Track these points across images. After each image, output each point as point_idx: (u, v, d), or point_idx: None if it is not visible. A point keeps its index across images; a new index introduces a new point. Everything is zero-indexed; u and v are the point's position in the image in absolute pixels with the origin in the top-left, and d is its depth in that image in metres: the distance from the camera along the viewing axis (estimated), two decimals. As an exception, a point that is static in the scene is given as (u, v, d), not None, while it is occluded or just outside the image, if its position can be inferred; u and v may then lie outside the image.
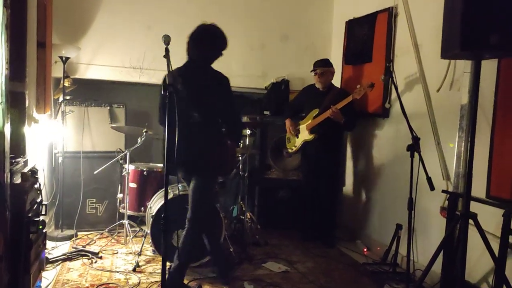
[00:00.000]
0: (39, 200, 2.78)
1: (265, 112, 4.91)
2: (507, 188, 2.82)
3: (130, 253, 3.79)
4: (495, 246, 2.72)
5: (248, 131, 4.08)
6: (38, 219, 2.70)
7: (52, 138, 4.23)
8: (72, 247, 3.82)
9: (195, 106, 3.02)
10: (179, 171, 3.13)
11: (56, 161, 4.26)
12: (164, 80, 2.49)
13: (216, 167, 3.13)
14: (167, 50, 2.35)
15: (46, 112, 3.82)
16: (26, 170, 2.69)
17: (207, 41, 3.05)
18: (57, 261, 3.53)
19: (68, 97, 4.26)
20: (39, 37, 3.48)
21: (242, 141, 4.12)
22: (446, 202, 3.23)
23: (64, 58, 4.11)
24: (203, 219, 3.13)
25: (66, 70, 4.15)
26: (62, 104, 4.16)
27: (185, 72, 3.03)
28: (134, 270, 3.42)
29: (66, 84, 4.19)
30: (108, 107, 4.47)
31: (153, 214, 3.45)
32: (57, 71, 4.18)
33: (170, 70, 2.28)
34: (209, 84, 3.08)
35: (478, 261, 3.03)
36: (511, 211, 2.67)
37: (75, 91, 4.34)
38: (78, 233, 4.19)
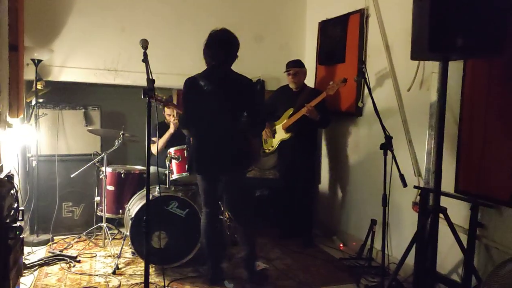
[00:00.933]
0: (15, 206, 2.76)
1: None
2: (474, 183, 2.96)
3: (109, 256, 3.78)
4: (464, 238, 2.86)
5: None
6: (15, 225, 2.68)
7: (26, 142, 4.17)
8: (49, 252, 3.79)
9: (221, 107, 3.20)
10: (208, 171, 3.28)
11: (30, 165, 4.20)
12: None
13: (246, 161, 3.37)
14: (145, 55, 2.37)
15: (19, 116, 3.76)
16: (2, 176, 2.67)
17: (224, 45, 3.21)
18: (34, 266, 3.49)
19: (41, 100, 4.21)
20: (10, 40, 3.42)
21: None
22: (418, 197, 3.36)
23: (36, 61, 4.04)
24: (251, 211, 3.41)
25: (38, 73, 4.09)
26: (35, 107, 4.11)
27: (209, 76, 3.19)
28: (114, 272, 3.42)
29: (39, 87, 4.12)
30: (83, 110, 4.43)
31: (132, 216, 3.45)
32: (29, 74, 4.11)
33: (150, 74, 2.30)
34: (233, 86, 3.26)
35: (448, 253, 3.17)
36: (478, 205, 2.81)
37: (48, 94, 4.28)
38: (55, 237, 4.15)
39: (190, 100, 3.25)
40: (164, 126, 4.40)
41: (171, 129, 4.26)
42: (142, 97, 2.26)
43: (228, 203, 3.44)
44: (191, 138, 3.50)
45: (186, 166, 3.60)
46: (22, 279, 3.06)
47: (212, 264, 3.36)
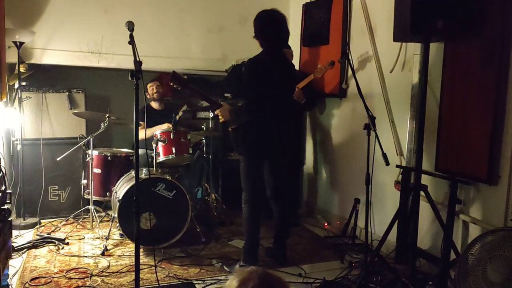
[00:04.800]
0: (3, 188, 2.76)
1: (226, 95, 4.97)
2: (453, 161, 3.07)
3: (97, 238, 3.82)
4: (444, 215, 2.97)
5: (211, 114, 4.15)
6: (3, 207, 2.69)
7: (9, 126, 4.13)
8: (37, 235, 3.80)
9: (284, 91, 3.27)
10: (267, 156, 3.30)
11: (15, 149, 4.17)
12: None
13: (290, 144, 3.54)
14: (131, 37, 2.37)
15: (2, 100, 3.72)
16: (-12, 159, 2.67)
17: (286, 26, 3.20)
18: (22, 249, 3.51)
19: (24, 83, 4.15)
20: (-9, 22, 3.37)
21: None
22: (400, 176, 3.46)
23: (18, 43, 3.98)
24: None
25: (20, 56, 4.03)
26: (18, 90, 4.06)
27: (274, 58, 3.16)
28: (102, 254, 3.46)
29: (22, 69, 4.07)
30: (67, 93, 4.39)
31: (120, 198, 3.47)
32: (11, 56, 4.05)
33: (137, 56, 2.30)
34: (291, 70, 3.35)
35: (429, 229, 3.29)
36: (457, 182, 2.91)
37: (31, 77, 4.22)
38: (42, 220, 4.15)
39: (257, 83, 3.10)
40: (150, 111, 4.40)
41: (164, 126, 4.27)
42: (130, 78, 2.27)
43: (272, 185, 3.39)
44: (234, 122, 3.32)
45: (247, 151, 3.24)
46: (11, 262, 3.09)
47: (255, 259, 3.26)
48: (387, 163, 2.89)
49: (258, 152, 3.23)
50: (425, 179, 3.08)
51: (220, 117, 3.27)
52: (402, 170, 3.41)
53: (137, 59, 2.30)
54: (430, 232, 3.30)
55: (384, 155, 2.89)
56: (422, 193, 2.98)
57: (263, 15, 3.18)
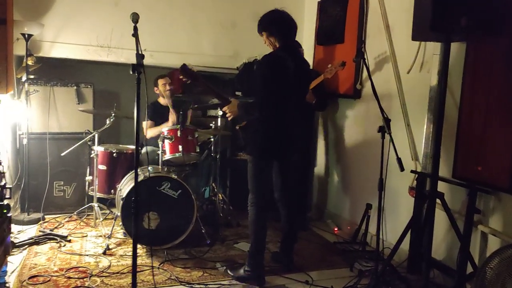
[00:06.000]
0: (3, 183, 2.69)
1: (237, 93, 4.87)
2: (473, 169, 2.90)
3: (100, 236, 3.73)
4: (460, 224, 2.81)
5: (220, 112, 4.03)
6: (2, 203, 2.62)
7: (16, 119, 4.08)
8: (40, 231, 3.73)
9: (299, 90, 3.21)
10: (279, 156, 3.20)
11: (21, 142, 4.11)
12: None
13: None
14: (135, 29, 2.26)
15: (8, 92, 3.65)
16: (-13, 152, 2.59)
17: (291, 27, 3.15)
18: (23, 245, 3.44)
19: (32, 77, 4.09)
20: (-1, 13, 3.30)
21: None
22: (415, 182, 3.31)
23: (26, 36, 3.92)
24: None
25: (29, 48, 3.97)
26: (26, 83, 4.00)
27: (291, 56, 3.06)
28: (104, 253, 3.37)
29: (30, 62, 4.01)
30: (75, 87, 4.32)
31: (124, 196, 3.38)
32: (19, 49, 3.99)
33: (139, 49, 2.20)
34: (307, 69, 3.29)
35: (444, 239, 3.13)
36: (476, 191, 2.76)
37: (39, 70, 4.16)
38: (46, 216, 4.09)
39: (272, 80, 2.97)
40: (159, 107, 4.31)
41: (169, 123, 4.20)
42: (131, 72, 2.17)
43: (280, 187, 3.30)
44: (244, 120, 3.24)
45: (256, 151, 3.08)
46: (10, 258, 3.01)
47: (260, 264, 3.12)
48: (402, 169, 2.75)
49: (267, 152, 3.10)
50: (441, 186, 2.92)
51: (228, 114, 3.15)
52: (417, 176, 3.26)
53: (140, 52, 2.19)
54: (445, 242, 3.14)
55: (399, 160, 2.75)
56: (437, 200, 2.83)
57: (271, 14, 3.14)
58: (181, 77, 3.12)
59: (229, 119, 3.24)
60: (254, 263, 3.07)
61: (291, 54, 3.07)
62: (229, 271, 3.16)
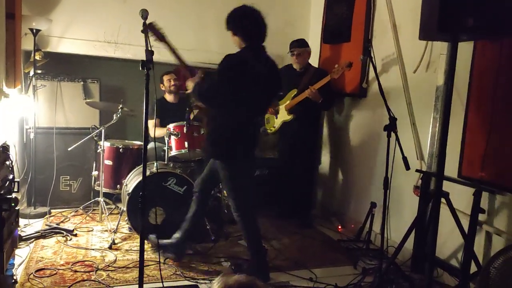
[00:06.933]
0: (11, 177, 2.71)
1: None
2: (478, 168, 2.90)
3: (106, 230, 3.76)
4: (465, 224, 2.82)
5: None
6: (10, 196, 2.64)
7: (23, 113, 4.11)
8: (46, 225, 3.76)
9: (264, 92, 3.03)
10: (248, 157, 3.07)
11: (28, 137, 4.14)
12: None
13: None
14: (145, 25, 2.28)
15: (16, 86, 3.69)
16: (-3, 146, 2.61)
17: (265, 25, 2.99)
18: (30, 238, 3.47)
19: (39, 71, 4.13)
20: (7, 8, 3.32)
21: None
22: (420, 181, 3.31)
23: (34, 31, 3.95)
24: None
25: (37, 43, 4.00)
26: (33, 78, 4.03)
27: (257, 57, 2.93)
28: (110, 247, 3.40)
29: (37, 57, 4.04)
30: (82, 82, 4.35)
31: (130, 191, 3.41)
32: (27, 44, 4.02)
33: (149, 45, 2.22)
34: (275, 70, 3.11)
35: (448, 238, 3.14)
36: (481, 191, 2.76)
37: (47, 65, 4.19)
38: (52, 210, 4.13)
39: (234, 79, 2.83)
40: (164, 103, 4.32)
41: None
42: (140, 68, 2.18)
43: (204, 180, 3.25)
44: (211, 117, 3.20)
45: (224, 150, 3.02)
46: (17, 251, 3.04)
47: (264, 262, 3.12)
48: (408, 168, 2.75)
49: (232, 151, 2.97)
50: (446, 185, 2.92)
51: (188, 87, 3.08)
52: (422, 175, 3.27)
53: (150, 48, 2.20)
54: (449, 241, 3.14)
55: (405, 159, 2.75)
56: (442, 199, 2.83)
57: (247, 10, 2.98)
58: (149, 34, 3.01)
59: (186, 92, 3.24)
60: (257, 263, 3.08)
61: (257, 54, 2.95)
62: (232, 268, 3.17)
